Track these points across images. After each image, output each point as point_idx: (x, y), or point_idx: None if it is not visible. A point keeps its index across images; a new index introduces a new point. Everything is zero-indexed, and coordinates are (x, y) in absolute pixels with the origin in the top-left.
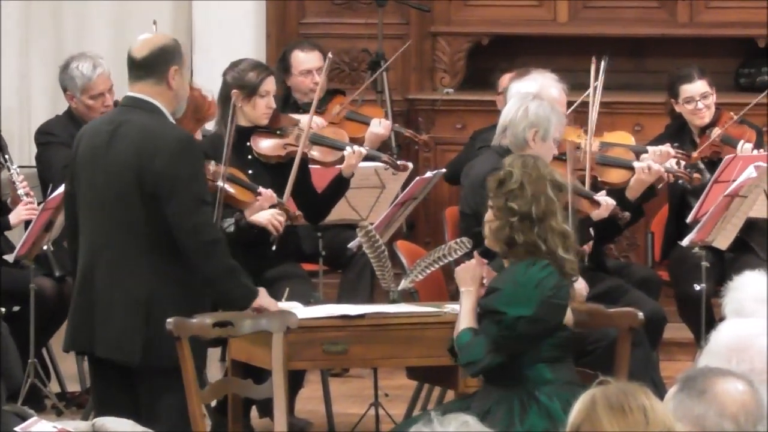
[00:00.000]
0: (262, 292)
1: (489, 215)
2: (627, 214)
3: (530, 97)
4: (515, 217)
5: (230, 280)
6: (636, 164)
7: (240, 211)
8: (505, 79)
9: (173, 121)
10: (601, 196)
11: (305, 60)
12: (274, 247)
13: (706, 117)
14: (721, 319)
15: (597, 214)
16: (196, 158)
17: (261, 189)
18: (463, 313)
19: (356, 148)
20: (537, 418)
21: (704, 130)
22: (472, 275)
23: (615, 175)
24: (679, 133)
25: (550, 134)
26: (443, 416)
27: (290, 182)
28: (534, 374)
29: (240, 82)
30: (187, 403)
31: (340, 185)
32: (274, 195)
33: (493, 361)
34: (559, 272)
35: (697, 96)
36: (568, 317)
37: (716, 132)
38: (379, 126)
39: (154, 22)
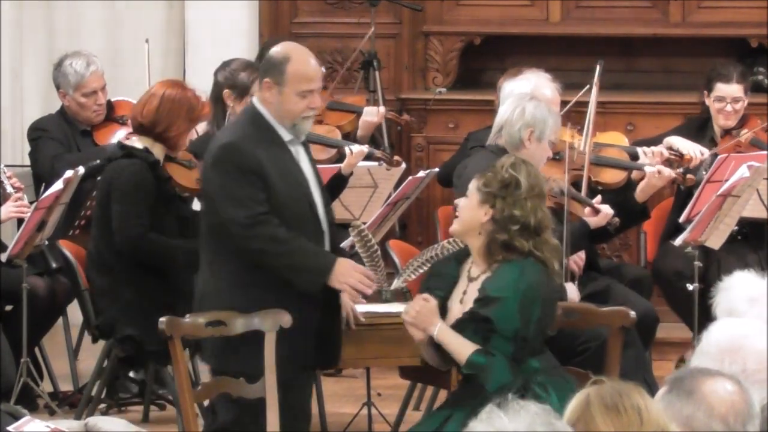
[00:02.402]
0: (344, 263)
1: (469, 202)
2: (616, 220)
3: (527, 97)
4: (516, 225)
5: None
6: (648, 168)
7: None
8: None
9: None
10: (601, 205)
11: None
12: None
13: (731, 121)
14: (712, 319)
15: (595, 222)
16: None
17: None
18: (458, 342)
19: (356, 147)
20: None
21: (727, 130)
22: (430, 313)
23: (609, 176)
24: (701, 128)
25: (545, 135)
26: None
27: None
28: (525, 367)
29: (231, 82)
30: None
31: (339, 183)
32: None
33: (519, 377)
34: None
35: (729, 98)
36: None
37: (744, 133)
38: (374, 114)
39: (147, 41)
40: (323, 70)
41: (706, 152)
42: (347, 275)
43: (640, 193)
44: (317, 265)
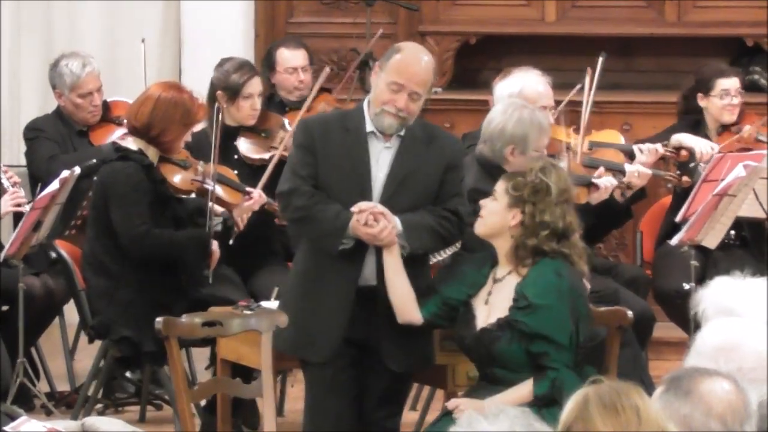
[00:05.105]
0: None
1: (497, 206)
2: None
3: (510, 110)
4: (546, 231)
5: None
6: (627, 167)
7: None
8: None
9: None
10: (599, 179)
11: (290, 58)
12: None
13: (735, 114)
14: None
15: (597, 197)
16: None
17: (250, 189)
18: (514, 396)
19: None
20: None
21: (725, 127)
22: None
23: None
24: (694, 127)
25: (529, 147)
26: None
27: (263, 180)
28: (583, 374)
29: (224, 83)
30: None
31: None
32: (264, 195)
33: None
34: None
35: (733, 90)
36: None
37: (747, 129)
38: None
39: (143, 41)
40: (431, 80)
41: (716, 147)
42: (358, 229)
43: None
44: (335, 226)
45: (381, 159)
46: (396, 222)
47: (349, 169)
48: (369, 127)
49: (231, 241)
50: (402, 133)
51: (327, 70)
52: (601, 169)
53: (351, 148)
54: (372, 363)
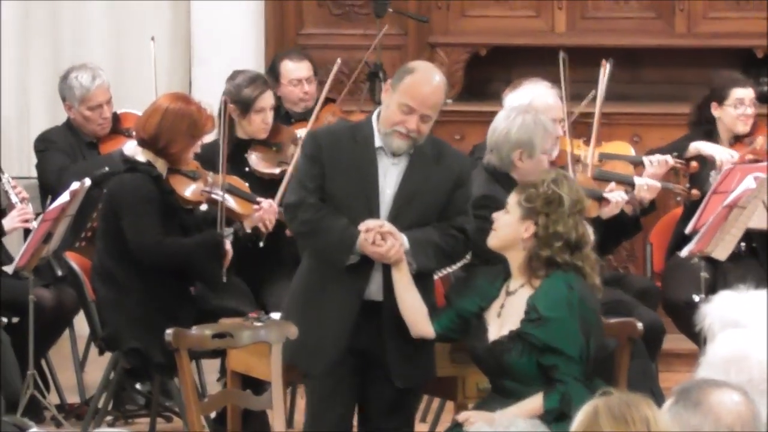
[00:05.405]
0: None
1: (510, 218)
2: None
3: (512, 115)
4: (559, 242)
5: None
6: (636, 180)
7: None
8: None
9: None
10: (610, 193)
11: (294, 69)
12: (261, 244)
13: (749, 125)
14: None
15: (608, 212)
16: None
17: (261, 199)
18: (525, 408)
19: None
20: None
21: (738, 138)
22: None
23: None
24: (707, 137)
25: (536, 150)
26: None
27: (278, 196)
28: (593, 386)
29: (236, 97)
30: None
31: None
32: (275, 206)
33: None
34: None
35: (747, 100)
36: None
37: (760, 140)
38: None
39: (152, 39)
40: (443, 101)
41: (736, 155)
42: (366, 247)
43: (627, 205)
44: (342, 241)
45: (389, 175)
46: (403, 240)
47: (357, 183)
48: (378, 142)
49: (261, 244)
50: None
51: (338, 61)
52: (613, 184)
53: (360, 161)
54: (375, 373)
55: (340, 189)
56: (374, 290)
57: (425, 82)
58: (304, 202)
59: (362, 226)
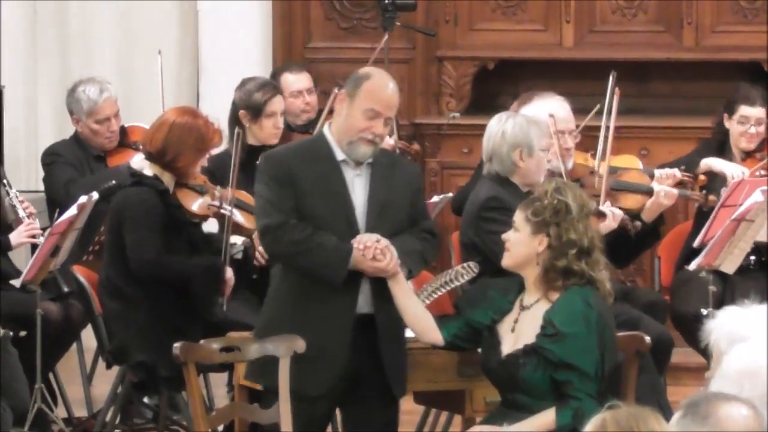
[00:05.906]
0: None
1: (521, 236)
2: (638, 223)
3: (503, 118)
4: (573, 249)
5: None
6: (655, 187)
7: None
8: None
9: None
10: (607, 207)
11: (294, 81)
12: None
13: (753, 143)
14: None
15: (605, 226)
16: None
17: None
18: (537, 422)
19: None
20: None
21: (749, 153)
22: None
23: (632, 201)
24: (719, 150)
25: (535, 146)
26: None
27: None
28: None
29: (246, 102)
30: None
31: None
32: None
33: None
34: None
35: (753, 120)
36: None
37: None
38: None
39: (159, 52)
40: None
41: (747, 172)
42: (362, 263)
43: (647, 212)
44: (337, 258)
45: (356, 187)
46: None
47: (331, 199)
48: (339, 155)
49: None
50: (370, 160)
51: (336, 91)
52: (608, 203)
53: (328, 178)
54: (358, 396)
55: (317, 208)
56: (362, 303)
57: (385, 85)
58: (286, 223)
59: (357, 243)
